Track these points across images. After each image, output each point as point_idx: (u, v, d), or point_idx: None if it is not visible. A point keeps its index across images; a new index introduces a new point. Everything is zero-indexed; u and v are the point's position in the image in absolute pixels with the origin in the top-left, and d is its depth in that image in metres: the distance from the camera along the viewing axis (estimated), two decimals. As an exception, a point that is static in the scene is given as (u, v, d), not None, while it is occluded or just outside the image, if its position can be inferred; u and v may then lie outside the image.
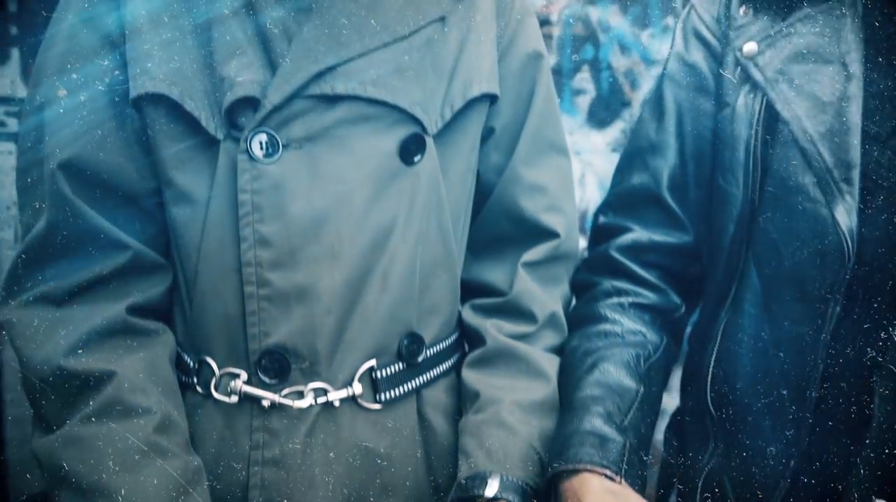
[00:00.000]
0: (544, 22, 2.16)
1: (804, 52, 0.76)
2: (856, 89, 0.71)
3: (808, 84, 0.74)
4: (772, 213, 0.75)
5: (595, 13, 2.06)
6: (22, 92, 1.69)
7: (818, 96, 0.73)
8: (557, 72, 2.13)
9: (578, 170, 2.08)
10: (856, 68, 0.72)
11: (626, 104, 2.01)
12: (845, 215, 0.67)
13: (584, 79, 2.08)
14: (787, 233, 0.73)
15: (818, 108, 0.73)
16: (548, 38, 2.16)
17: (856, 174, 0.68)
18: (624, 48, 2.02)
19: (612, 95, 2.04)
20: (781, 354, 0.72)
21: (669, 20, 1.93)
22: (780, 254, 0.73)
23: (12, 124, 1.68)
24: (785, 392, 0.70)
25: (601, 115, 2.06)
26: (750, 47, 0.81)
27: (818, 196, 0.70)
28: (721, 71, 0.87)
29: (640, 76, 1.99)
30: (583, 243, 2.18)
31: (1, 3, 1.62)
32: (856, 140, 0.69)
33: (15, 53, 1.69)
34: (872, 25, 0.74)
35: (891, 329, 0.63)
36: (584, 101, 2.08)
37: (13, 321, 0.72)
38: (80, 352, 0.69)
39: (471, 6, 0.82)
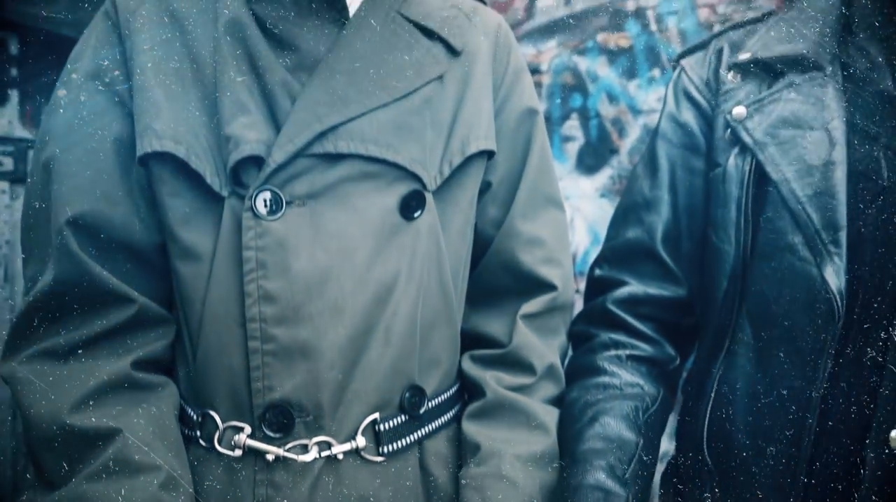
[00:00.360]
0: (534, 70, 2.22)
1: (790, 117, 0.80)
2: (840, 155, 0.74)
3: (796, 148, 0.78)
4: (763, 270, 0.77)
5: (583, 63, 2.12)
6: (19, 132, 1.70)
7: (805, 160, 0.76)
8: (547, 119, 2.18)
9: (568, 214, 2.12)
10: (839, 135, 0.75)
11: (613, 151, 2.06)
12: (834, 276, 0.69)
13: (573, 126, 2.13)
14: (778, 290, 0.75)
15: (805, 171, 0.76)
16: (537, 85, 2.22)
17: (843, 236, 0.71)
18: (612, 97, 2.07)
19: (601, 143, 2.08)
20: (775, 408, 0.73)
21: (656, 72, 1.99)
22: (772, 310, 0.75)
23: (8, 163, 1.68)
24: (779, 445, 0.71)
25: (590, 161, 2.10)
26: (739, 111, 0.84)
27: (808, 256, 0.72)
28: (712, 132, 0.90)
29: (628, 125, 2.05)
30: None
31: (2, 44, 1.64)
32: (842, 203, 0.72)
33: (14, 95, 1.70)
34: (852, 94, 0.78)
35: (880, 388, 0.65)
36: (573, 148, 2.12)
37: (17, 376, 0.71)
38: (85, 408, 0.69)
39: (467, 62, 0.84)
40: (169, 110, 0.73)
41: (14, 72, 1.70)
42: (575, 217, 2.11)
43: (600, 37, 2.09)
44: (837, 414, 0.69)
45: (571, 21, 2.15)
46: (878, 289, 0.67)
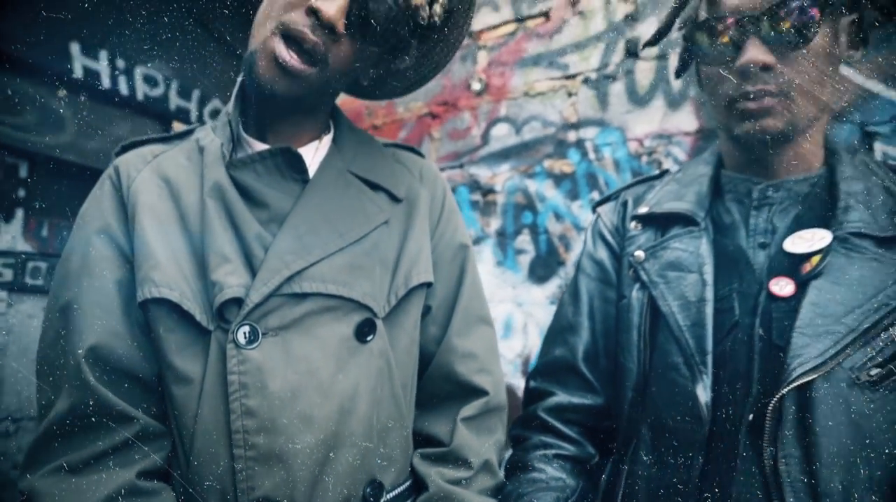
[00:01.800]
0: (489, 190, 2.47)
1: (675, 262, 0.99)
2: (709, 294, 0.93)
3: (679, 287, 0.96)
4: (656, 385, 0.94)
5: (533, 185, 2.37)
6: (21, 246, 1.86)
7: (686, 297, 0.95)
8: (501, 234, 2.41)
9: (521, 320, 2.30)
10: (709, 277, 0.95)
11: (561, 263, 2.27)
12: (703, 391, 0.87)
13: (524, 240, 2.35)
14: (666, 401, 0.91)
15: (685, 306, 0.94)
16: (493, 204, 2.45)
17: (709, 359, 0.88)
18: (558, 216, 2.30)
19: (549, 255, 2.29)
20: (666, 495, 0.89)
21: (595, 194, 2.24)
22: (662, 416, 0.91)
23: (8, 274, 1.82)
24: None
25: (540, 272, 2.31)
26: (639, 254, 1.04)
27: (686, 373, 0.89)
28: (621, 268, 1.10)
29: (572, 240, 2.27)
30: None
31: (14, 169, 1.82)
32: (709, 333, 0.90)
33: (20, 213, 1.87)
34: (718, 245, 0.98)
35: (734, 474, 0.83)
36: (526, 260, 2.33)
37: (37, 490, 0.80)
38: None
39: (408, 206, 1.00)
40: (164, 261, 0.86)
41: (22, 192, 1.87)
42: (528, 322, 2.29)
43: (547, 163, 2.34)
44: (712, 496, 0.85)
45: (521, 148, 2.41)
46: (732, 401, 0.86)
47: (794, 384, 0.80)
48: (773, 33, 0.92)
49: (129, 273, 0.88)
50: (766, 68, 0.92)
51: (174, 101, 2.22)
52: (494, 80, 2.51)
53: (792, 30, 0.92)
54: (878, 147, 1.79)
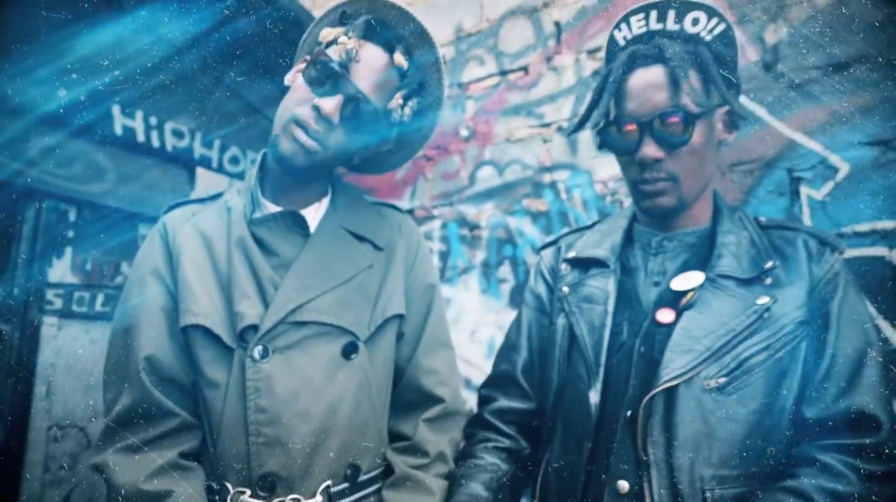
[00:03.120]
0: (475, 226, 2.75)
1: (588, 296, 1.26)
2: (609, 320, 1.20)
3: (589, 315, 1.23)
4: (569, 391, 1.21)
5: (513, 222, 2.64)
6: (69, 279, 2.17)
7: (592, 323, 1.22)
8: (486, 264, 2.69)
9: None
10: (610, 308, 1.22)
11: (536, 291, 2.52)
12: (594, 394, 1.13)
13: (506, 271, 2.62)
14: (571, 402, 1.18)
15: (592, 330, 1.21)
16: (478, 238, 2.73)
17: (601, 370, 1.15)
18: (535, 249, 2.57)
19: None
20: (568, 474, 1.15)
21: (566, 229, 2.50)
22: (568, 414, 1.18)
23: (59, 303, 2.12)
24: (571, 496, 1.14)
25: (519, 299, 2.55)
26: (565, 290, 1.31)
27: (586, 381, 1.16)
28: (553, 300, 1.38)
29: (546, 271, 2.52)
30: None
31: (65, 213, 2.14)
32: (604, 350, 1.16)
33: (69, 250, 2.18)
34: (621, 283, 1.26)
35: (612, 456, 1.10)
36: (506, 288, 2.60)
37: (107, 463, 1.07)
38: (150, 480, 1.05)
39: (388, 253, 1.27)
40: (200, 296, 1.11)
41: (71, 233, 2.18)
42: (508, 343, 2.54)
43: (525, 202, 2.62)
44: (597, 472, 1.12)
45: (504, 189, 2.68)
46: (615, 401, 1.13)
47: (661, 388, 1.08)
48: (662, 133, 1.15)
49: (173, 304, 1.14)
50: (657, 160, 1.16)
51: (198, 151, 2.52)
52: (480, 127, 2.79)
53: (676, 129, 1.16)
54: (804, 189, 2.06)
